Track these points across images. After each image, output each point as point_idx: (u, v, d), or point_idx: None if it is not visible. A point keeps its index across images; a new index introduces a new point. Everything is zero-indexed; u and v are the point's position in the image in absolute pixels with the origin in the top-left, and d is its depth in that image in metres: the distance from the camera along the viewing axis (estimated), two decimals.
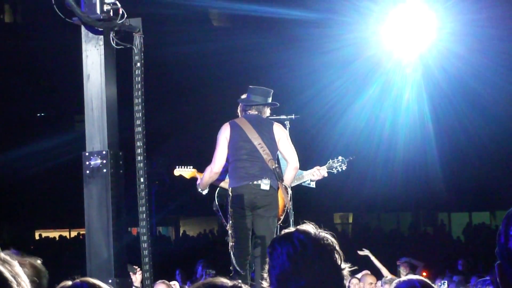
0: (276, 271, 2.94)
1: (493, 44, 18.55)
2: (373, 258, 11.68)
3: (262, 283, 3.06)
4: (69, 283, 2.84)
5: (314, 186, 8.40)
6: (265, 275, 3.04)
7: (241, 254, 7.28)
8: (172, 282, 9.43)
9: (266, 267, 3.04)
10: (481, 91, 21.13)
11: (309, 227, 3.02)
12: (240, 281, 2.72)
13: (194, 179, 8.22)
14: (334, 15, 19.03)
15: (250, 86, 7.65)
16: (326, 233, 3.01)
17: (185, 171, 8.44)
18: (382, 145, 23.60)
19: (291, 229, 3.07)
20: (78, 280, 2.85)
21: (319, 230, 3.01)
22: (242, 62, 21.80)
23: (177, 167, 8.49)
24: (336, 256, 2.96)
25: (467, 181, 27.60)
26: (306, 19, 20.40)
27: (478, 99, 22.04)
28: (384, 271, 11.58)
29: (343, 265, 2.97)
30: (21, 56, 24.49)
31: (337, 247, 2.98)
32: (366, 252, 11.65)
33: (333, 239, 2.99)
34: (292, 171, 7.51)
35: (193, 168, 8.39)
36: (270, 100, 7.61)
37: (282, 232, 3.13)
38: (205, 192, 7.82)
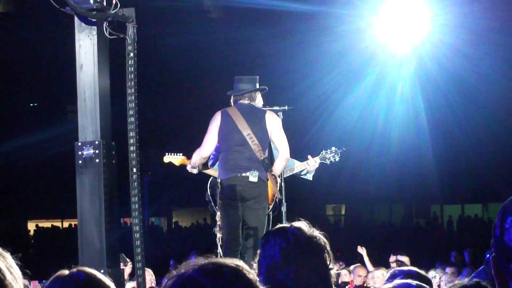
0: (267, 261, 3.00)
1: (486, 36, 18.56)
2: (365, 258, 11.72)
3: None
4: (66, 272, 2.85)
5: (311, 178, 8.39)
6: (255, 265, 3.09)
7: (230, 245, 7.27)
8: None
9: (257, 257, 3.09)
10: (474, 83, 21.16)
11: (303, 224, 3.08)
12: None
13: (183, 167, 8.23)
14: (328, 7, 19.03)
15: (236, 77, 7.66)
16: (320, 233, 3.06)
17: (175, 158, 8.45)
18: (375, 137, 23.64)
19: (286, 224, 3.12)
20: (75, 270, 2.86)
21: (313, 228, 3.07)
22: (236, 53, 21.79)
23: (167, 154, 8.50)
24: (326, 255, 3.02)
25: (460, 173, 27.69)
26: (301, 11, 20.39)
27: (471, 91, 22.08)
28: (370, 267, 11.60)
29: (331, 266, 3.03)
30: (14, 46, 24.42)
31: (328, 248, 3.04)
32: (363, 250, 11.68)
33: (325, 240, 3.06)
34: (282, 161, 7.48)
35: (182, 155, 8.41)
36: (258, 86, 7.61)
37: (277, 226, 3.20)
38: (195, 171, 7.83)
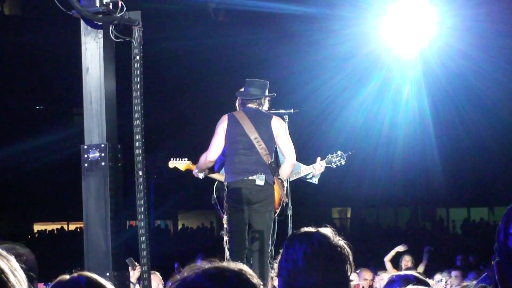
0: (289, 265, 2.97)
1: (493, 39, 18.52)
2: (394, 252, 11.77)
3: (270, 272, 3.11)
4: (67, 277, 2.84)
5: (316, 182, 8.39)
6: (275, 265, 3.07)
7: (236, 248, 7.26)
8: None
9: (279, 257, 3.07)
10: (481, 87, 21.12)
11: (329, 231, 3.05)
12: None
13: (189, 171, 8.24)
14: (333, 10, 19.00)
15: (247, 79, 7.66)
16: (344, 243, 3.04)
17: (180, 163, 8.47)
18: (381, 140, 23.60)
19: (312, 228, 3.10)
20: (75, 274, 2.85)
21: (338, 237, 3.04)
22: (241, 57, 21.80)
23: (172, 159, 8.52)
24: (348, 266, 2.99)
25: (466, 176, 27.63)
26: (305, 14, 20.39)
27: (478, 95, 22.03)
28: (388, 265, 11.60)
29: (352, 277, 3.01)
30: (20, 48, 24.46)
31: (351, 259, 3.01)
32: (403, 248, 11.77)
33: (349, 250, 3.02)
34: (288, 167, 7.50)
35: (188, 160, 8.42)
36: (267, 92, 7.62)
37: (303, 230, 3.15)
38: (201, 175, 7.83)
